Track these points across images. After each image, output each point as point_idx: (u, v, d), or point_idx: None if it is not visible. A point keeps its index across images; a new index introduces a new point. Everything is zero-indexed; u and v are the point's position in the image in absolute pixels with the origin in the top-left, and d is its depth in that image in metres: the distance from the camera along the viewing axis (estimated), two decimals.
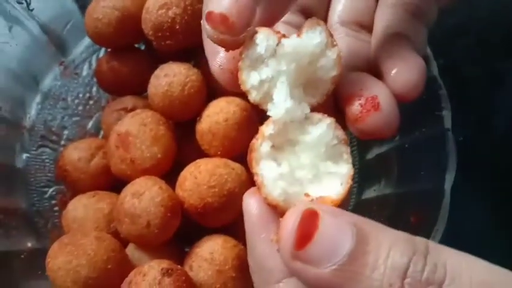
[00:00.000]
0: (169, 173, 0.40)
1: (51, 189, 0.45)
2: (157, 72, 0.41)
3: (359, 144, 0.47)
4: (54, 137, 0.47)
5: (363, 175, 0.45)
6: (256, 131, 0.39)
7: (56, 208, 0.44)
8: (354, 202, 0.45)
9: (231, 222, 0.40)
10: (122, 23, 0.41)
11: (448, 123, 0.37)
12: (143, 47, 0.48)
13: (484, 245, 0.50)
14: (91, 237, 0.36)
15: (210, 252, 0.36)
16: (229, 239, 0.38)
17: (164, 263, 0.34)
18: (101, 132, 0.47)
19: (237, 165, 0.39)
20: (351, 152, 0.47)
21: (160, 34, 0.41)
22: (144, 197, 0.36)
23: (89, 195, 0.41)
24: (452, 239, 0.35)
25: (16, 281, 0.35)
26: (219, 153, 0.40)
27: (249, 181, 0.39)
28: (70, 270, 0.34)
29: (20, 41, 0.43)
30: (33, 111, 0.45)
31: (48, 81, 0.47)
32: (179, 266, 0.35)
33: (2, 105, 0.42)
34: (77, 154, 0.42)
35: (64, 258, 0.34)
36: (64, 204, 0.44)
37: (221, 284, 0.35)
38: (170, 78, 0.40)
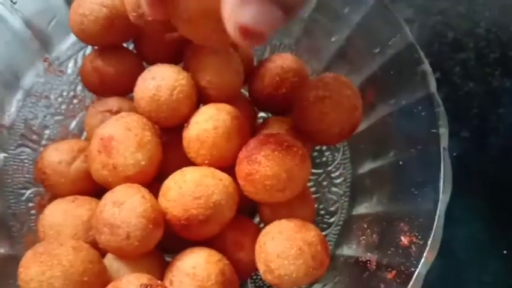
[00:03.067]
0: (153, 181, 0.39)
1: (29, 191, 0.43)
2: (144, 74, 0.40)
3: (352, 157, 0.46)
4: (34, 137, 0.45)
5: (354, 190, 0.44)
6: (246, 141, 0.38)
7: (33, 211, 0.42)
8: (344, 217, 0.44)
9: (214, 236, 0.38)
10: (110, 21, 0.39)
11: (444, 142, 0.36)
12: (131, 46, 0.46)
13: (476, 262, 0.49)
14: (67, 247, 0.34)
15: (193, 267, 0.35)
16: (213, 252, 0.36)
17: (144, 278, 0.32)
18: (84, 134, 0.45)
19: (224, 176, 0.38)
20: (344, 164, 0.46)
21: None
22: (125, 206, 0.34)
23: (68, 200, 0.39)
24: (444, 256, 0.34)
25: None
26: (206, 162, 0.39)
27: (237, 193, 0.38)
28: (43, 281, 0.32)
29: (1, 35, 0.41)
30: (13, 108, 0.43)
31: (30, 78, 0.45)
32: (159, 282, 0.33)
33: None
34: (57, 156, 0.40)
35: (37, 269, 0.32)
36: (41, 208, 0.42)
37: None
38: (158, 81, 0.38)
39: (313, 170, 0.48)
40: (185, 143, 0.39)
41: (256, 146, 0.37)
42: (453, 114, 0.37)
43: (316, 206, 0.44)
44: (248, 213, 0.44)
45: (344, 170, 0.46)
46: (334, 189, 0.46)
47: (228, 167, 0.39)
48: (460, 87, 0.57)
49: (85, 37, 0.41)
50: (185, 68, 0.41)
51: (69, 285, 0.32)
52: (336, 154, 0.47)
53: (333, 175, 0.47)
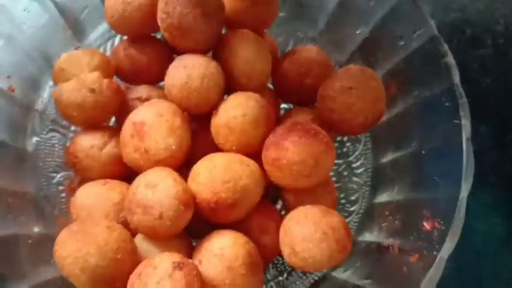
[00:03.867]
0: (181, 168, 0.40)
1: (59, 175, 0.44)
2: (176, 63, 0.41)
3: (374, 148, 0.47)
4: (64, 122, 0.46)
5: (376, 179, 0.45)
6: (272, 129, 0.40)
7: (63, 194, 0.44)
8: (365, 205, 0.45)
9: (241, 219, 0.39)
10: (151, 7, 0.40)
11: (467, 132, 0.37)
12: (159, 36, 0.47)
13: (494, 258, 0.50)
14: (101, 226, 0.35)
15: (221, 248, 0.36)
16: (240, 235, 0.38)
17: (176, 256, 0.34)
18: (113, 119, 0.47)
19: (251, 162, 0.39)
20: (365, 154, 0.47)
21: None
22: (158, 188, 0.35)
23: (99, 183, 0.40)
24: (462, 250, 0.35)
25: (24, 266, 0.35)
26: (233, 148, 0.40)
27: (263, 179, 0.39)
28: (79, 258, 0.33)
29: (37, 22, 0.42)
30: (45, 94, 0.45)
31: None
32: (190, 260, 0.35)
33: (16, 86, 0.41)
34: (89, 141, 0.41)
35: (74, 246, 0.33)
36: (71, 191, 0.43)
37: (230, 281, 0.35)
38: (189, 69, 0.39)
39: (335, 160, 0.49)
40: (214, 129, 0.41)
41: (284, 133, 0.38)
42: (471, 110, 0.38)
43: (338, 196, 0.45)
44: (270, 200, 0.45)
45: (365, 160, 0.47)
46: (355, 179, 0.47)
47: (254, 154, 0.40)
48: (478, 83, 0.58)
49: (121, 26, 0.42)
50: (215, 57, 0.42)
51: (103, 261, 0.33)
52: (358, 145, 0.48)
53: (353, 165, 0.48)
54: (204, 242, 0.37)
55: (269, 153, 0.38)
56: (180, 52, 0.42)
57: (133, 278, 0.33)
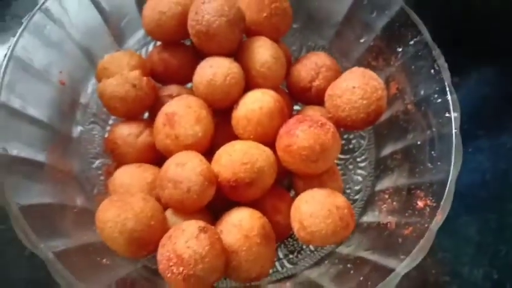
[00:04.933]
0: (205, 154, 0.46)
1: (98, 161, 0.51)
2: (203, 63, 0.47)
3: (376, 142, 0.52)
4: (103, 116, 0.53)
5: (377, 170, 0.50)
6: (286, 120, 0.45)
7: (101, 178, 0.50)
8: (368, 193, 0.50)
9: (257, 199, 0.45)
10: (183, 17, 0.47)
11: (457, 125, 0.42)
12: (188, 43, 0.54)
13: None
14: (138, 197, 0.41)
15: (239, 220, 0.41)
16: (256, 211, 0.43)
17: (201, 222, 0.39)
18: (146, 114, 0.53)
19: (267, 149, 0.44)
20: (369, 149, 0.52)
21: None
22: (186, 166, 0.41)
23: (134, 166, 0.46)
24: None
25: (69, 229, 0.40)
26: (251, 137, 0.45)
27: (276, 163, 0.44)
28: (118, 222, 0.39)
29: (85, 28, 0.49)
30: (89, 90, 0.51)
31: None
32: (213, 227, 0.40)
33: (67, 81, 0.48)
34: (127, 130, 0.47)
35: (114, 212, 0.39)
36: (108, 174, 0.49)
37: (247, 248, 0.40)
38: (215, 69, 0.46)
39: (341, 156, 0.54)
40: (234, 121, 0.46)
41: (295, 123, 0.44)
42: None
43: (343, 186, 0.50)
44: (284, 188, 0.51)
45: (369, 154, 0.52)
46: (359, 171, 0.52)
47: (269, 144, 0.46)
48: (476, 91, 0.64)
49: (159, 32, 0.48)
50: (236, 60, 0.48)
51: (139, 226, 0.39)
52: (362, 141, 0.54)
53: (358, 159, 0.53)
54: (225, 216, 0.43)
55: (282, 141, 0.44)
56: (206, 55, 0.48)
57: (164, 240, 0.39)
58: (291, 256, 0.48)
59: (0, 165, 0.37)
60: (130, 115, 0.48)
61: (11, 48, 0.41)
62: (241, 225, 0.41)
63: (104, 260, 0.40)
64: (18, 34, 0.42)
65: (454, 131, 0.42)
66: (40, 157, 0.42)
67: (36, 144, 0.42)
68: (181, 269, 0.36)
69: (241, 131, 0.46)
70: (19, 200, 0.37)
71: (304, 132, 0.43)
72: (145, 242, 0.40)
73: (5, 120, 0.39)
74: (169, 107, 0.45)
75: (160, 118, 0.45)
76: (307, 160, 0.43)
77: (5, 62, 0.41)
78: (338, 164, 0.53)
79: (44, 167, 0.42)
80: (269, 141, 0.46)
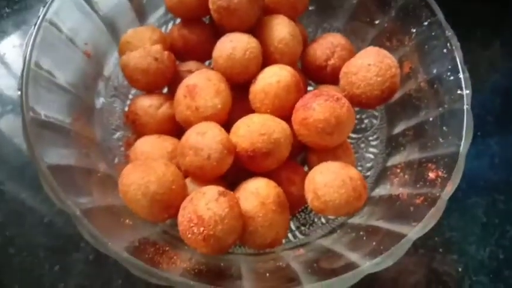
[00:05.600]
0: (223, 127, 0.47)
1: (118, 133, 0.52)
2: (223, 38, 0.49)
3: (388, 121, 0.53)
4: (124, 90, 0.54)
5: (389, 147, 0.52)
6: (301, 96, 0.47)
7: (122, 149, 0.51)
8: (379, 169, 0.51)
9: (272, 170, 0.46)
10: None
11: (468, 101, 0.44)
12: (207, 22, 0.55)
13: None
14: (160, 162, 0.42)
15: (256, 188, 0.43)
16: (271, 181, 0.45)
17: (221, 188, 0.41)
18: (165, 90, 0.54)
19: (283, 122, 0.46)
20: (380, 128, 0.54)
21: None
22: (207, 135, 0.43)
23: (154, 136, 0.48)
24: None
25: (93, 190, 0.42)
26: (268, 111, 0.47)
27: (292, 136, 0.46)
28: (141, 185, 0.40)
29: (110, 2, 0.51)
30: (111, 63, 0.53)
31: None
32: (231, 192, 0.42)
33: (91, 52, 0.49)
34: (148, 101, 0.49)
35: (137, 175, 0.41)
36: (129, 145, 0.51)
37: (263, 214, 0.42)
38: (235, 43, 0.47)
39: (353, 135, 0.56)
40: (252, 95, 0.48)
41: (311, 97, 0.45)
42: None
43: (355, 162, 0.52)
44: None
45: (381, 133, 0.54)
46: (371, 149, 0.54)
47: (285, 118, 0.47)
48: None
49: (180, 8, 0.50)
50: (255, 36, 0.49)
51: (161, 189, 0.41)
52: (374, 121, 0.55)
53: (370, 138, 0.55)
54: (242, 184, 0.44)
55: (298, 114, 0.46)
56: (226, 31, 0.50)
57: (185, 203, 0.40)
58: (303, 228, 0.50)
59: (30, 126, 0.39)
60: (150, 88, 0.50)
61: (41, 14, 0.43)
62: (258, 192, 0.43)
63: (127, 221, 0.41)
64: (49, 1, 0.44)
65: (465, 106, 0.43)
66: (66, 123, 0.43)
67: (63, 110, 0.44)
68: (201, 229, 0.38)
69: (259, 105, 0.48)
70: (48, 160, 0.38)
71: (321, 106, 0.44)
72: (167, 205, 0.41)
73: (34, 83, 0.40)
74: (190, 80, 0.47)
75: (181, 90, 0.47)
76: (323, 132, 0.44)
77: (38, 22, 0.42)
78: (350, 143, 0.55)
79: (70, 132, 0.43)
80: (285, 115, 0.47)
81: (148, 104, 0.49)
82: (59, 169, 0.39)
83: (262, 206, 0.42)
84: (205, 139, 0.43)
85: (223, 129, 0.44)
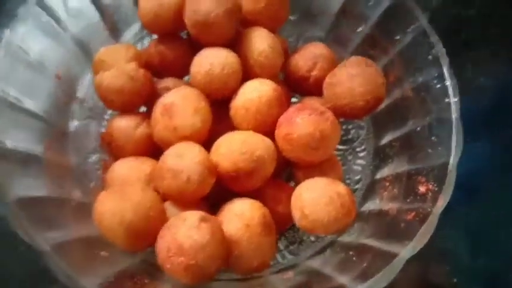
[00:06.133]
0: (203, 145, 0.45)
1: (94, 156, 0.50)
2: (201, 53, 0.47)
3: (375, 132, 0.52)
4: (99, 111, 0.52)
5: (376, 159, 0.50)
6: (284, 110, 0.45)
7: (98, 172, 0.49)
8: (368, 182, 0.49)
9: (256, 189, 0.44)
10: (180, 9, 0.47)
11: (456, 109, 0.42)
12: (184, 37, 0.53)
13: None
14: (136, 188, 0.40)
15: (240, 209, 0.41)
16: (256, 201, 0.42)
17: (202, 213, 0.39)
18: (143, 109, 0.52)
19: (265, 138, 0.44)
20: (368, 139, 0.52)
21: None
22: (186, 156, 0.41)
23: (131, 159, 0.46)
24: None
25: (68, 223, 0.40)
26: (250, 127, 0.45)
27: (275, 152, 0.44)
28: (116, 213, 0.38)
29: (81, 22, 0.49)
30: (85, 84, 0.51)
31: None
32: (214, 216, 0.39)
33: (63, 75, 0.47)
34: (125, 122, 0.47)
35: (111, 203, 0.38)
36: (105, 169, 0.48)
37: (248, 237, 0.39)
38: (212, 59, 0.45)
39: (340, 146, 0.54)
40: (232, 111, 0.46)
41: (294, 111, 0.44)
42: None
43: (343, 176, 0.50)
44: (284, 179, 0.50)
45: (368, 144, 0.52)
46: (358, 161, 0.52)
47: (268, 134, 0.45)
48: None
49: (156, 24, 0.48)
50: (234, 50, 0.47)
51: (137, 217, 0.38)
52: (361, 131, 0.53)
53: (357, 149, 0.53)
54: (226, 206, 0.42)
55: (281, 129, 0.44)
56: (203, 46, 0.48)
57: (163, 231, 0.38)
58: (291, 247, 0.48)
59: None
60: (126, 108, 0.48)
61: (6, 37, 0.41)
62: (242, 214, 0.40)
63: (102, 253, 0.39)
64: (14, 24, 0.42)
65: (453, 115, 0.42)
66: (37, 150, 0.41)
67: (33, 138, 0.41)
68: (181, 259, 0.36)
69: (240, 121, 0.46)
70: (16, 192, 0.36)
71: (304, 120, 0.42)
72: (144, 234, 0.39)
73: (0, 111, 0.38)
74: (166, 98, 0.45)
75: (158, 109, 0.45)
76: (308, 147, 0.43)
77: (3, 47, 0.40)
78: (337, 155, 0.53)
79: (41, 160, 0.41)
80: (268, 131, 0.45)
81: (124, 125, 0.47)
82: (29, 202, 0.37)
83: (247, 228, 0.40)
84: (183, 161, 0.41)
85: (203, 149, 0.42)
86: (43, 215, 0.37)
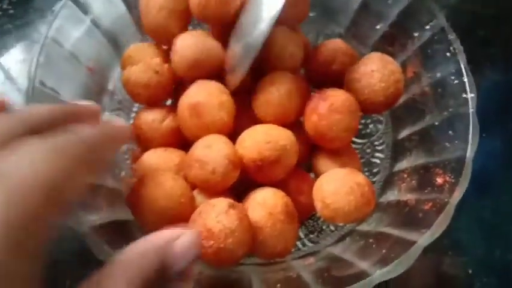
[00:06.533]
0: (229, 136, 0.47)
1: (124, 146, 0.52)
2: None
3: (393, 126, 0.54)
4: (128, 103, 0.54)
5: (395, 152, 0.52)
6: (304, 101, 0.47)
7: (127, 162, 0.51)
8: (386, 174, 0.51)
9: (279, 180, 0.46)
10: None
11: (473, 104, 0.44)
12: None
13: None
14: (167, 176, 0.42)
15: (263, 198, 0.43)
16: (278, 191, 0.44)
17: (230, 200, 0.41)
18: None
19: (287, 130, 0.46)
20: (386, 133, 0.54)
21: None
22: (213, 148, 0.43)
23: (161, 149, 0.48)
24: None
25: (103, 207, 0.42)
26: (272, 119, 0.47)
27: (297, 144, 0.46)
28: (149, 201, 0.40)
29: (111, 17, 0.51)
30: (114, 77, 0.53)
31: None
32: (240, 204, 0.42)
33: (94, 67, 0.49)
34: (151, 116, 0.49)
35: (144, 191, 0.41)
36: (135, 158, 0.51)
37: (271, 224, 0.41)
38: None
39: (359, 140, 0.56)
40: (254, 105, 0.48)
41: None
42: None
43: (362, 169, 0.52)
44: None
45: (386, 138, 0.54)
46: (377, 154, 0.54)
47: (290, 126, 0.47)
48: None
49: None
50: None
51: (170, 204, 0.41)
52: (379, 126, 0.55)
53: (376, 143, 0.55)
54: (250, 195, 0.44)
55: (308, 117, 0.46)
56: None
57: (194, 216, 0.40)
58: (311, 236, 0.50)
59: None
60: (152, 101, 0.50)
61: (47, 29, 0.43)
62: (265, 202, 0.42)
63: (135, 235, 0.41)
64: (53, 17, 0.44)
65: (470, 110, 0.43)
66: None
67: None
68: (211, 242, 0.38)
69: (263, 114, 0.48)
70: None
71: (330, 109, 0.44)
72: (176, 219, 0.41)
73: (39, 101, 0.41)
74: (191, 97, 0.46)
75: (185, 109, 0.46)
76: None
77: (41, 40, 0.42)
78: (355, 148, 0.55)
79: None
80: (290, 122, 0.48)
81: (151, 119, 0.49)
82: None
83: (270, 216, 0.42)
84: (211, 153, 0.43)
85: (229, 143, 0.44)
86: (82, 200, 0.40)
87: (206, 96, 0.46)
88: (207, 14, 0.48)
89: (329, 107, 0.45)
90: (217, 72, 0.49)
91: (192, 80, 0.48)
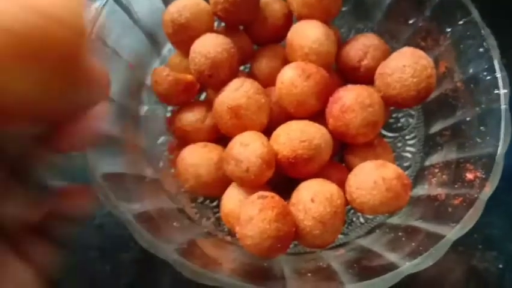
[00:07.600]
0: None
1: (161, 138, 0.55)
2: None
3: (425, 121, 0.54)
4: None
5: (426, 146, 0.52)
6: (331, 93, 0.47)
7: (165, 153, 0.54)
8: (417, 168, 0.52)
9: (314, 174, 0.47)
10: None
11: (506, 101, 0.44)
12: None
13: None
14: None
15: (330, 193, 0.43)
16: (339, 188, 0.45)
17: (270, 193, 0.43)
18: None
19: (322, 127, 0.47)
20: (417, 127, 0.54)
21: None
22: (249, 147, 0.44)
23: (200, 145, 0.49)
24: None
25: (143, 197, 0.45)
26: (302, 113, 0.48)
27: (331, 140, 0.47)
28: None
29: (150, 9, 0.53)
30: None
31: (165, 51, 0.57)
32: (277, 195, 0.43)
33: (134, 64, 0.52)
34: (193, 116, 0.51)
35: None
36: (172, 150, 0.53)
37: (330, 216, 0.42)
38: None
39: (390, 134, 0.56)
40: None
41: (345, 90, 0.47)
42: None
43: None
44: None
45: (418, 132, 0.54)
46: (408, 148, 0.55)
47: (318, 119, 0.48)
48: None
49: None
50: (289, 40, 0.50)
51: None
52: (411, 120, 0.56)
53: (407, 137, 0.55)
54: (301, 185, 0.45)
55: (333, 108, 0.47)
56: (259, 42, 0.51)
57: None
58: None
59: None
60: (183, 103, 0.53)
61: (90, 27, 0.45)
62: (331, 198, 0.43)
63: (174, 224, 0.44)
64: (98, 12, 0.46)
65: (502, 106, 0.44)
66: (116, 132, 0.46)
67: (113, 120, 0.46)
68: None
69: (293, 110, 0.48)
70: (101, 169, 0.41)
71: (357, 101, 0.46)
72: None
73: None
74: (230, 100, 0.47)
75: (224, 111, 0.47)
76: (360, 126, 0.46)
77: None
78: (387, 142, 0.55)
79: (120, 141, 0.46)
80: (317, 110, 0.49)
81: (194, 119, 0.51)
82: (112, 177, 0.42)
83: (331, 208, 0.42)
84: (246, 151, 0.44)
85: (266, 142, 0.45)
86: (124, 189, 0.42)
87: (246, 100, 0.47)
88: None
89: (340, 109, 0.46)
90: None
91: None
